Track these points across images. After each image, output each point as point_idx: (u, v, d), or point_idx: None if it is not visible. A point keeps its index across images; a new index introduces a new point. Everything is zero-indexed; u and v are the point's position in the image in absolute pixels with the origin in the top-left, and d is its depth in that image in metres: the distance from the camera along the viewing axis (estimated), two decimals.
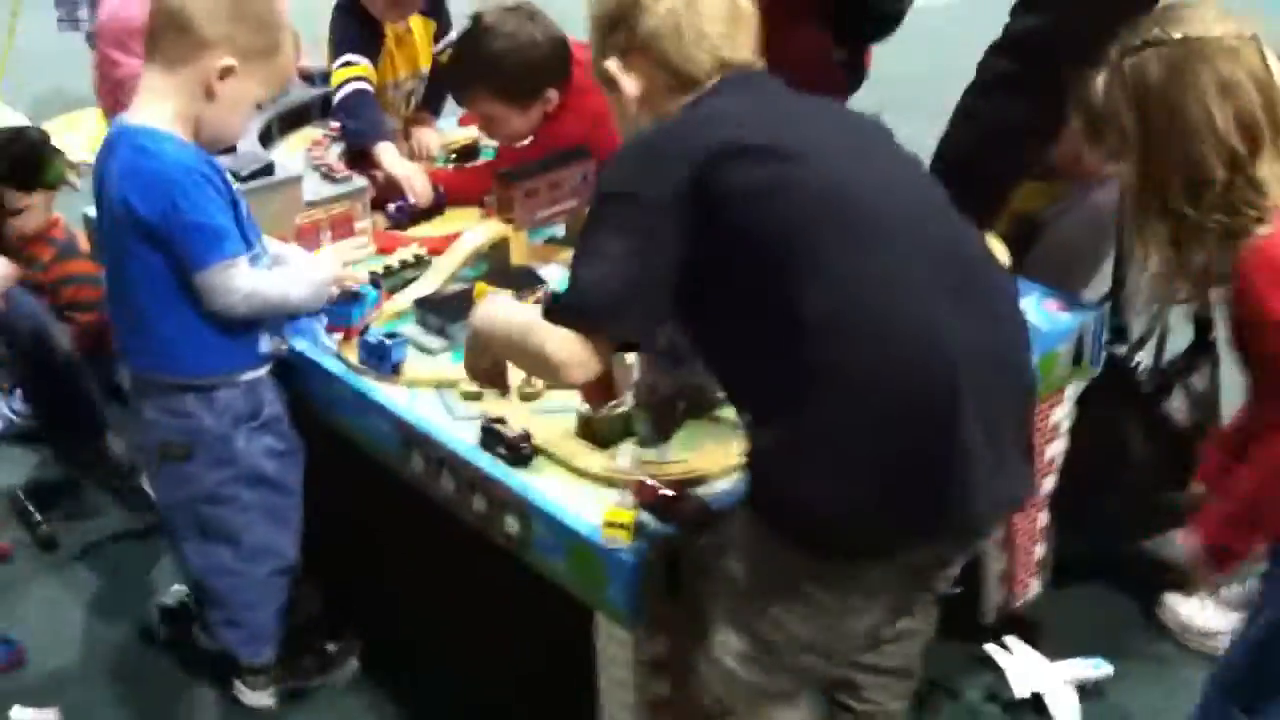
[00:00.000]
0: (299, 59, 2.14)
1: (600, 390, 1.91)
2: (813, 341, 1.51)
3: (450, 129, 3.01)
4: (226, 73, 1.93)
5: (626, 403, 1.92)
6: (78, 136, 4.25)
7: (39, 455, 3.02)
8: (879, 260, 1.54)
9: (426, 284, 2.32)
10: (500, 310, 1.74)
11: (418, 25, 2.86)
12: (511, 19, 2.51)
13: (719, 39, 1.67)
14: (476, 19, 2.54)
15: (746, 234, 1.54)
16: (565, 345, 1.57)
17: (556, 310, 1.59)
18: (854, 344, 1.51)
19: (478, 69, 2.50)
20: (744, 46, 1.70)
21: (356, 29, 2.73)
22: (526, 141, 2.57)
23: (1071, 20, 1.99)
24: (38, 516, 2.76)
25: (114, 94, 2.74)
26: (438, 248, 2.47)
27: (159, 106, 1.95)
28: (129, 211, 1.92)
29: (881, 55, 2.77)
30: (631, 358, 1.91)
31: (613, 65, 1.71)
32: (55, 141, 4.30)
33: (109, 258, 2.06)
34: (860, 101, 2.37)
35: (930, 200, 1.65)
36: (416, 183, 2.57)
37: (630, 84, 1.70)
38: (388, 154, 2.60)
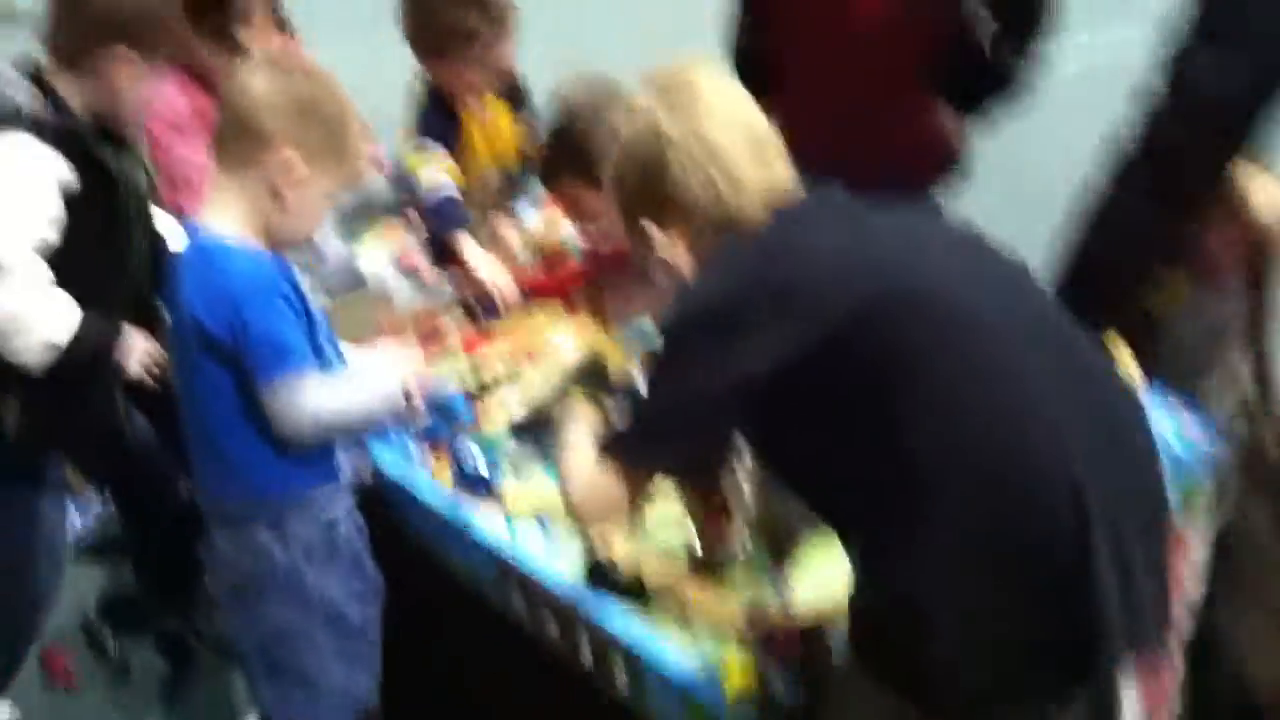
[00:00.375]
0: (371, 149, 2.02)
1: (714, 519, 1.76)
2: (925, 479, 1.40)
3: (532, 220, 2.89)
4: (294, 174, 1.82)
5: (743, 532, 1.76)
6: None
7: (111, 566, 2.89)
8: (998, 388, 1.43)
9: (519, 394, 2.18)
10: (569, 436, 1.69)
11: (502, 116, 2.75)
12: (596, 99, 2.42)
13: (758, 178, 1.58)
14: (562, 103, 2.47)
15: (853, 361, 1.43)
16: (592, 485, 1.56)
17: (608, 444, 1.56)
18: (973, 483, 1.39)
19: (565, 153, 2.40)
20: (782, 170, 1.62)
21: (436, 115, 2.63)
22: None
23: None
24: (109, 641, 2.63)
25: (170, 180, 2.59)
26: (526, 351, 2.34)
27: (227, 211, 1.84)
28: (196, 324, 1.80)
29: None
30: (744, 479, 1.76)
31: (652, 229, 1.62)
32: None
33: (179, 370, 1.94)
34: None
35: (1047, 315, 1.54)
36: (501, 282, 2.46)
37: (673, 244, 1.61)
38: (471, 251, 2.49)
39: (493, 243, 2.71)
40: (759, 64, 2.48)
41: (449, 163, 2.58)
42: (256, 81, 1.82)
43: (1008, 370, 1.44)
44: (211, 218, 1.85)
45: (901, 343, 1.43)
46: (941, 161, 2.52)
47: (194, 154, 2.50)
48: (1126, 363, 1.98)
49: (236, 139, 1.83)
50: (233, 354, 1.79)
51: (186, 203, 2.50)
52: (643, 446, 1.56)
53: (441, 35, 2.54)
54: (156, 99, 2.57)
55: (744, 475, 1.75)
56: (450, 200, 2.53)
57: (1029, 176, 4.60)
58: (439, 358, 2.33)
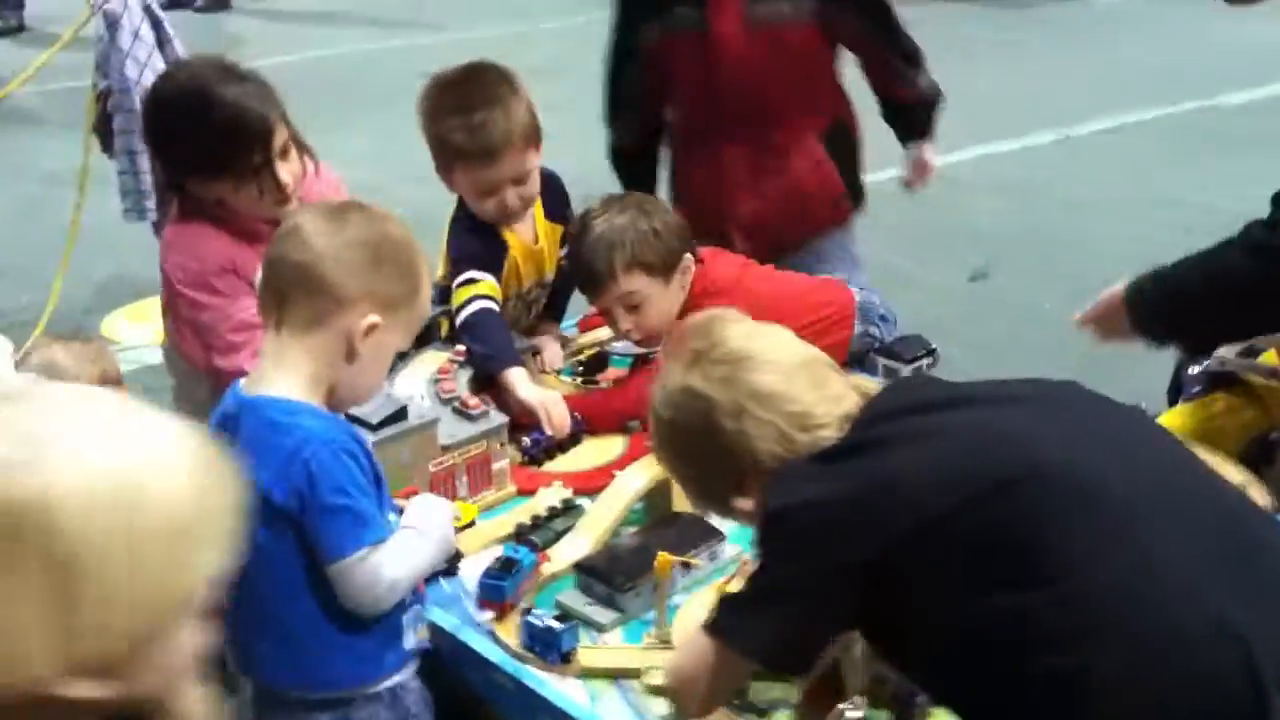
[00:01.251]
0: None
1: (823, 692, 1.62)
2: (1067, 663, 1.31)
3: (572, 334, 2.76)
4: (370, 330, 1.68)
5: (858, 707, 1.61)
6: (143, 329, 4.04)
7: None
8: (1139, 554, 1.34)
9: (582, 539, 2.03)
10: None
11: (545, 231, 2.61)
12: (617, 202, 2.46)
13: (820, 404, 1.53)
14: (584, 215, 2.46)
15: (974, 549, 1.36)
16: (691, 666, 1.54)
17: (710, 623, 1.52)
18: (1129, 664, 1.30)
19: (610, 248, 2.39)
20: (840, 384, 1.58)
21: (479, 242, 2.49)
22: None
23: None
24: None
25: (203, 338, 2.39)
26: (584, 486, 2.20)
27: (289, 374, 1.68)
28: (258, 494, 1.59)
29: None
30: (858, 648, 1.62)
31: (741, 503, 1.57)
32: (114, 333, 4.16)
33: None
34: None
35: (1177, 463, 1.48)
36: (554, 413, 2.31)
37: (751, 501, 1.55)
38: (520, 382, 2.34)
39: (534, 357, 2.58)
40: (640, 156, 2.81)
41: (491, 282, 2.44)
42: (316, 233, 1.67)
43: (1147, 542, 1.35)
44: (271, 384, 1.69)
45: (1028, 528, 1.35)
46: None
47: (235, 305, 2.34)
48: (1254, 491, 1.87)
49: (304, 299, 1.67)
50: (299, 523, 1.64)
51: (224, 361, 2.33)
52: (744, 629, 1.49)
53: (437, 149, 2.48)
54: (181, 255, 2.40)
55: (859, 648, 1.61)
56: (485, 311, 2.40)
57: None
58: (491, 499, 2.18)
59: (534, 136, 2.48)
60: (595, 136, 6.53)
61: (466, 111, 2.40)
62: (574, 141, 6.13)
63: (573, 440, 2.34)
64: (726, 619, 1.51)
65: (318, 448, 1.64)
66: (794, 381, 1.53)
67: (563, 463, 2.30)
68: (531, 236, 2.58)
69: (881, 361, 2.33)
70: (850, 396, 1.55)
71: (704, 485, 1.63)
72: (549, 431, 2.29)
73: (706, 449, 1.54)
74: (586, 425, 2.37)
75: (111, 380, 2.40)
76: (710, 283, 2.45)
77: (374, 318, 1.67)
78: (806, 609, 1.45)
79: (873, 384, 2.26)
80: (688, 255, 2.45)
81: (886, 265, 4.70)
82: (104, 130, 4.05)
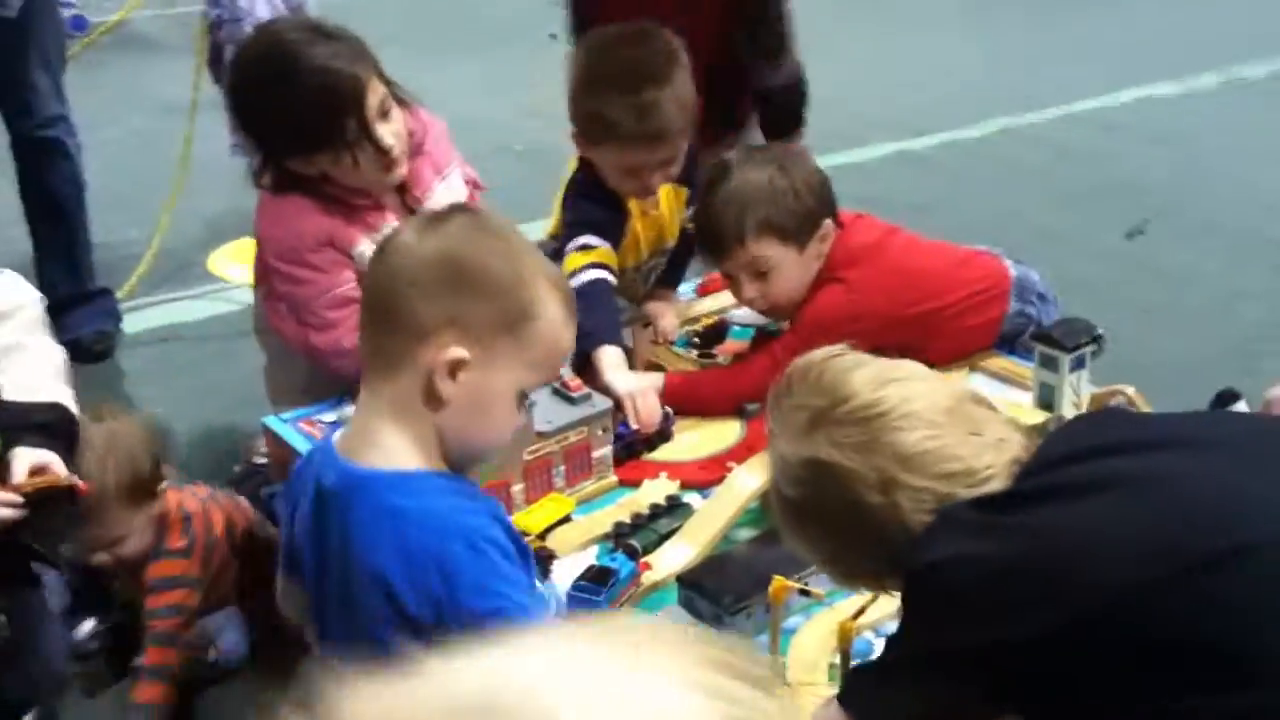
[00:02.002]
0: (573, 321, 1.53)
1: None
2: None
3: (690, 301, 2.53)
4: (456, 367, 1.34)
5: None
6: (244, 268, 3.91)
7: None
8: None
9: (687, 545, 1.81)
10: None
11: (667, 195, 2.36)
12: (760, 154, 2.19)
13: (982, 454, 1.26)
14: (721, 163, 2.16)
15: (1174, 632, 1.13)
16: None
17: (844, 693, 1.32)
18: None
19: (741, 208, 2.10)
20: (1003, 430, 1.30)
21: (599, 208, 2.24)
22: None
23: None
24: None
25: (298, 314, 2.24)
26: (693, 479, 1.97)
27: (392, 434, 1.37)
28: (388, 597, 1.34)
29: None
30: None
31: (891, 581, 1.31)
32: (220, 269, 4.04)
33: (337, 639, 1.44)
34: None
35: None
36: (641, 405, 2.05)
37: None
38: (610, 364, 2.08)
39: (644, 332, 2.36)
40: None
41: (607, 249, 2.21)
42: (397, 248, 1.38)
43: None
44: (376, 449, 1.37)
45: (1236, 618, 1.12)
46: None
47: (330, 281, 2.20)
48: None
49: (381, 331, 1.38)
50: (435, 630, 1.32)
51: (320, 338, 2.21)
52: (879, 709, 1.29)
53: (590, 123, 2.18)
54: (275, 228, 2.24)
55: None
56: (598, 282, 2.17)
57: None
58: (590, 490, 1.97)
59: (694, 116, 2.21)
60: None
61: (633, 88, 2.11)
62: None
63: (661, 437, 2.09)
64: (860, 694, 1.30)
65: (451, 543, 1.33)
66: (946, 433, 1.26)
67: (671, 450, 2.07)
68: (653, 201, 2.33)
69: (1039, 348, 2.04)
70: (1014, 439, 1.28)
71: (849, 567, 1.36)
72: (634, 425, 2.05)
73: (848, 529, 1.28)
74: (691, 404, 2.14)
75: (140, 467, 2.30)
76: (848, 250, 2.17)
77: (458, 351, 1.33)
78: (951, 688, 1.22)
79: (1032, 414, 1.99)
80: (827, 221, 2.15)
81: (1035, 220, 4.40)
82: (215, 62, 3.92)
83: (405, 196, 2.31)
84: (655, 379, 2.16)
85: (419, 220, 1.46)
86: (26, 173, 3.50)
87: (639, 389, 2.07)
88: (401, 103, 2.21)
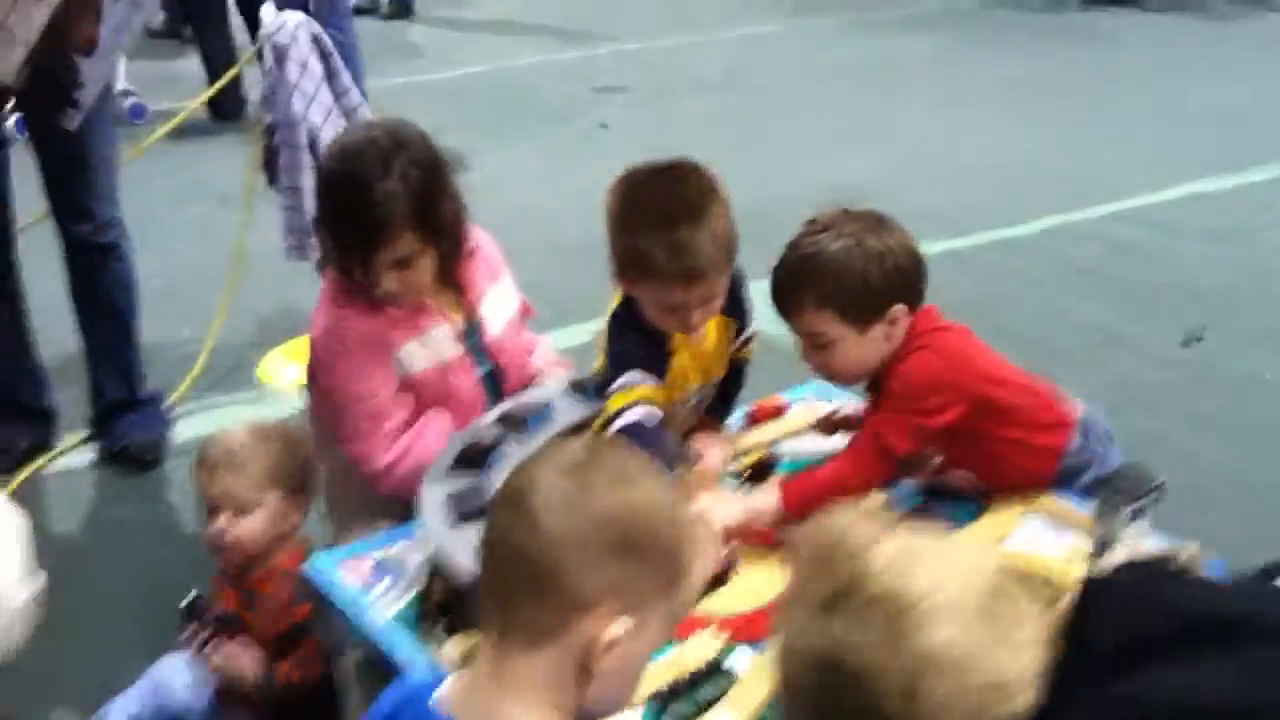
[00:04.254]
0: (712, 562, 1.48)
1: None
2: None
3: (738, 431, 2.50)
4: (616, 643, 1.27)
5: None
6: (298, 367, 3.92)
7: None
8: None
9: (731, 713, 1.77)
10: None
11: (715, 327, 2.34)
12: (852, 221, 2.14)
13: (1015, 658, 1.15)
14: (810, 222, 2.16)
15: None
16: None
17: None
18: None
19: (804, 279, 2.12)
20: (1037, 626, 1.18)
21: (642, 343, 2.22)
22: None
23: None
24: None
25: (336, 416, 2.37)
26: (744, 632, 1.93)
27: (518, 702, 1.28)
28: None
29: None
30: None
31: None
32: (274, 371, 4.06)
33: None
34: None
35: None
36: (709, 548, 2.02)
37: None
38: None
39: (695, 469, 2.33)
40: None
41: (652, 386, 2.19)
42: (548, 506, 1.27)
43: None
44: (490, 708, 1.29)
45: None
46: None
47: (366, 388, 2.35)
48: None
49: (530, 599, 1.27)
50: None
51: (349, 446, 2.38)
52: None
53: (626, 261, 2.17)
54: (325, 323, 2.38)
55: None
56: (641, 423, 2.14)
57: None
58: None
59: (734, 252, 2.18)
60: (771, 157, 6.27)
61: (667, 225, 2.09)
62: (745, 165, 5.89)
63: (718, 580, 2.05)
64: None
65: None
66: (978, 633, 1.14)
67: (723, 598, 2.04)
68: (700, 335, 2.32)
69: (1098, 501, 2.01)
70: (1041, 642, 1.18)
71: None
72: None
73: None
74: (750, 539, 2.11)
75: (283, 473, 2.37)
76: (928, 339, 2.15)
77: (622, 625, 1.26)
78: None
79: (1067, 573, 1.93)
80: (898, 306, 2.12)
81: (1093, 324, 4.35)
82: (270, 164, 3.96)
83: (460, 298, 2.45)
84: (727, 511, 2.13)
85: (559, 469, 1.32)
86: (79, 277, 3.53)
87: (705, 533, 2.02)
88: (445, 224, 2.37)
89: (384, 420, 2.35)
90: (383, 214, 2.26)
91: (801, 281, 2.13)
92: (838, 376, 2.23)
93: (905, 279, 2.13)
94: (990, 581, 1.20)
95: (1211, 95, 6.93)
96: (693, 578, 1.34)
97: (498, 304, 2.52)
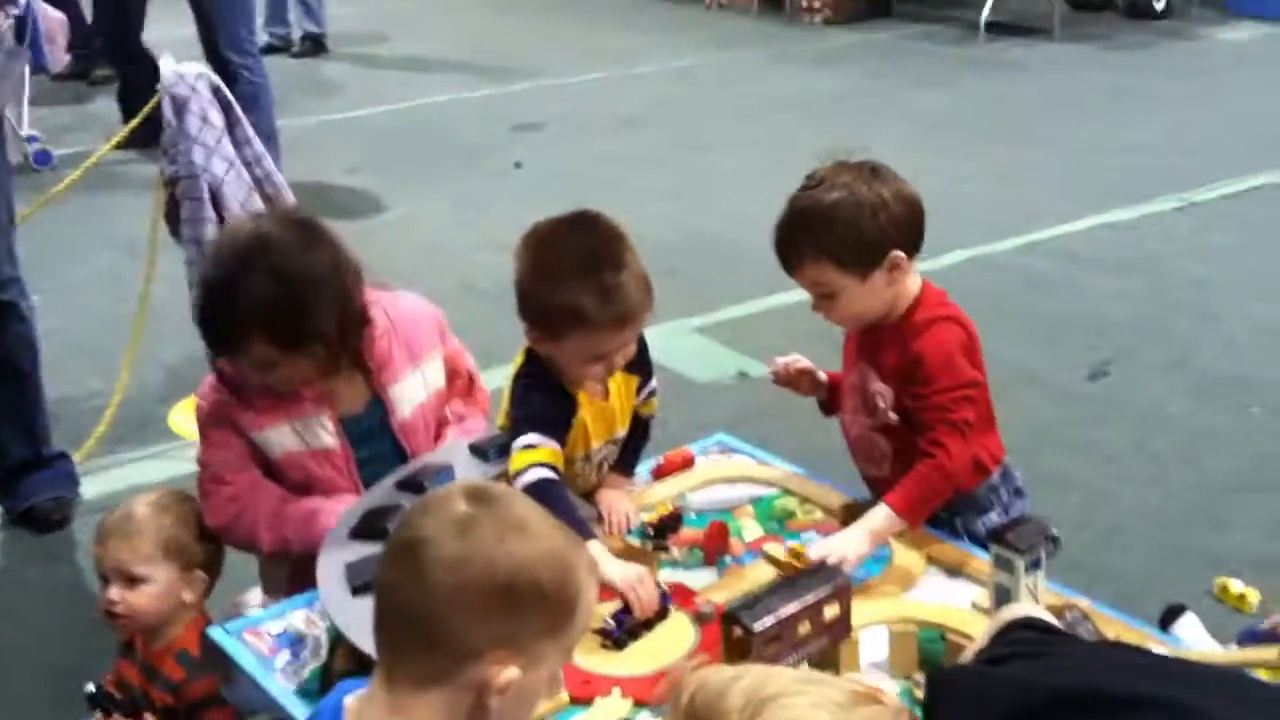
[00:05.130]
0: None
1: None
2: None
3: (645, 485, 2.50)
4: (507, 686, 1.36)
5: None
6: None
7: None
8: None
9: None
10: None
11: (617, 385, 2.35)
12: (848, 172, 2.21)
13: None
14: (810, 175, 2.26)
15: None
16: None
17: None
18: None
19: (804, 231, 2.20)
20: None
21: (545, 403, 2.23)
22: None
23: None
24: None
25: (201, 485, 2.45)
26: (647, 695, 1.93)
27: None
28: None
29: None
30: None
31: None
32: (180, 426, 4.00)
33: None
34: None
35: None
36: (642, 591, 2.04)
37: None
38: (602, 558, 2.05)
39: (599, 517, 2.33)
40: None
41: (553, 449, 2.19)
42: (436, 561, 1.34)
43: None
44: None
45: None
46: None
47: (213, 457, 2.41)
48: None
49: (421, 650, 1.35)
50: None
51: (207, 501, 2.41)
52: None
53: (553, 315, 2.16)
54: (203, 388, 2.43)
55: None
56: (544, 483, 2.13)
57: None
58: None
59: (652, 292, 2.21)
60: (690, 194, 6.30)
61: (592, 273, 2.12)
62: (664, 201, 5.91)
63: (659, 616, 2.08)
64: None
65: None
66: None
67: (625, 661, 2.03)
68: (602, 392, 2.32)
69: (994, 549, 2.03)
70: None
71: None
72: (637, 615, 2.04)
73: None
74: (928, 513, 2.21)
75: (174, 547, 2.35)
76: (946, 311, 2.26)
77: (512, 670, 1.35)
78: None
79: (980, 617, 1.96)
80: (895, 252, 2.18)
81: (1003, 359, 4.36)
82: (172, 216, 3.90)
83: (371, 379, 2.42)
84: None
85: (440, 523, 1.38)
86: None
87: (635, 577, 2.06)
88: (383, 286, 2.45)
89: (222, 487, 2.38)
90: (228, 325, 2.27)
91: (799, 236, 2.21)
92: (847, 323, 2.31)
93: (900, 226, 2.20)
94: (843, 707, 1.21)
95: (1118, 125, 7.08)
96: (582, 614, 1.41)
97: (413, 387, 2.47)
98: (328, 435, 2.39)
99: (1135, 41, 9.11)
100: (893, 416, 2.28)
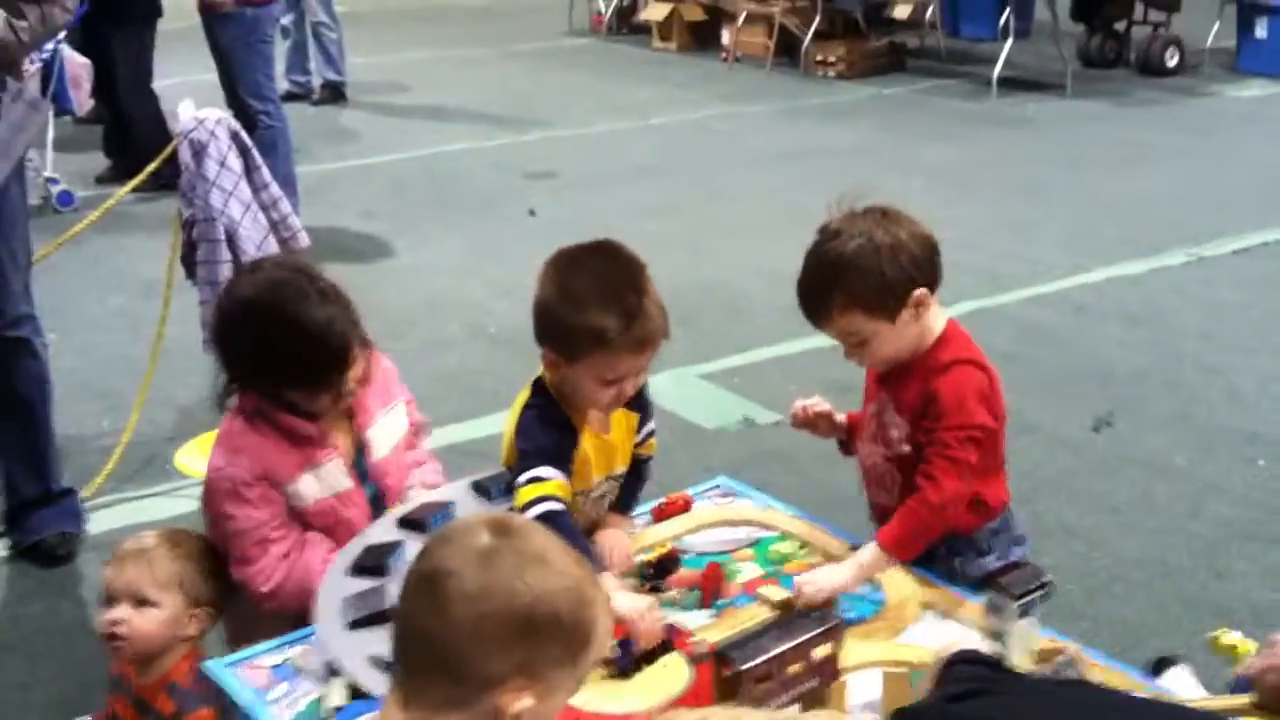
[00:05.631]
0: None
1: None
2: None
3: (645, 526, 2.52)
4: (521, 713, 1.41)
5: None
6: None
7: None
8: None
9: None
10: None
11: (618, 421, 2.38)
12: (862, 220, 2.28)
13: None
14: (823, 229, 2.31)
15: None
16: None
17: None
18: None
19: (828, 283, 2.26)
20: None
21: (552, 436, 2.26)
22: None
23: None
24: None
25: (226, 543, 2.43)
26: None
27: None
28: None
29: None
30: None
31: None
32: (187, 467, 4.02)
33: None
34: None
35: None
36: (646, 626, 2.07)
37: None
38: (610, 589, 2.07)
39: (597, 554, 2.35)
40: None
41: (560, 481, 2.22)
42: (457, 594, 1.38)
43: None
44: None
45: None
46: None
47: (255, 518, 2.39)
48: None
49: (441, 678, 1.39)
50: None
51: (238, 571, 2.41)
52: None
53: (574, 335, 2.19)
54: (223, 457, 2.42)
55: None
56: (553, 515, 2.15)
57: None
58: None
59: (667, 324, 2.26)
60: (702, 243, 6.35)
61: (616, 296, 2.16)
62: (676, 251, 5.95)
63: (662, 648, 2.09)
64: None
65: None
66: None
67: (618, 698, 2.04)
68: (603, 427, 2.35)
69: (988, 595, 2.04)
70: None
71: None
72: (641, 646, 2.06)
73: None
74: (919, 550, 2.25)
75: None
76: (968, 353, 2.32)
77: (527, 700, 1.39)
78: None
79: None
80: (919, 291, 2.24)
81: (1006, 409, 4.37)
82: (188, 258, 3.96)
83: (350, 423, 2.50)
84: (836, 577, 2.20)
85: (463, 554, 1.42)
86: None
87: (642, 607, 2.09)
88: (365, 344, 2.43)
89: (270, 546, 2.38)
90: (338, 338, 2.36)
91: (824, 290, 2.27)
92: (880, 366, 2.35)
93: (920, 264, 2.26)
94: None
95: (1129, 180, 7.13)
96: (598, 644, 1.45)
97: (386, 429, 2.56)
98: (344, 477, 2.45)
99: (1147, 98, 9.18)
100: (905, 448, 2.32)
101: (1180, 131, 8.24)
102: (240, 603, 2.45)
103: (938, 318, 2.33)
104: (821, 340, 2.41)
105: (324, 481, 2.42)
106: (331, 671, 2.03)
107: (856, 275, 2.23)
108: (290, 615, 2.28)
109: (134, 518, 3.71)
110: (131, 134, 6.77)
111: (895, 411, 2.34)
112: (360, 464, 2.50)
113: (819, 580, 2.16)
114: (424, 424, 2.73)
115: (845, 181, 2.42)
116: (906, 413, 2.32)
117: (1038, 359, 4.78)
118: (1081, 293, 5.49)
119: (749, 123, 8.85)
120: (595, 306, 2.16)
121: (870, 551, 2.22)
